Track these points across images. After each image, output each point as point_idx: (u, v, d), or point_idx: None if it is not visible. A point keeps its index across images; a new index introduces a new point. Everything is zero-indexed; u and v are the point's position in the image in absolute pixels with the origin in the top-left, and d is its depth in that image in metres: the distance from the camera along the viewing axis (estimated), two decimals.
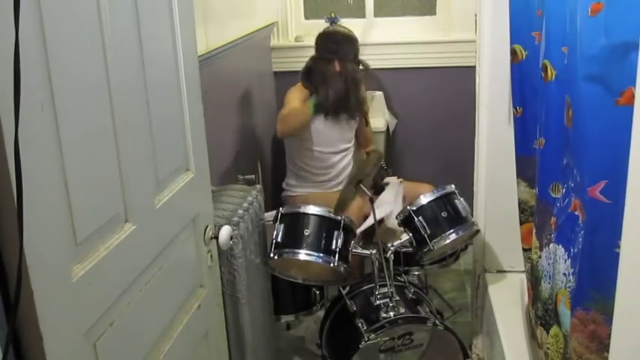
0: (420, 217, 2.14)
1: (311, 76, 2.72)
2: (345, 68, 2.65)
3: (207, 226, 1.48)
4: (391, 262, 2.11)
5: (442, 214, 2.17)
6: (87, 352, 0.99)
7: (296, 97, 2.74)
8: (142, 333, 1.19)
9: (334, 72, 2.65)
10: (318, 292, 2.30)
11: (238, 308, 1.85)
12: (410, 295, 2.17)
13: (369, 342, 1.89)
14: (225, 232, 1.48)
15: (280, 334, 2.64)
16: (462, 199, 2.22)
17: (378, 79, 3.39)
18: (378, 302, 2.02)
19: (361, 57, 2.76)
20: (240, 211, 1.88)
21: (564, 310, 1.50)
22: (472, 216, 2.27)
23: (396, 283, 2.16)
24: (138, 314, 1.15)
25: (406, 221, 2.19)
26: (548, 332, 1.65)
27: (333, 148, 2.82)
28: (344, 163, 2.87)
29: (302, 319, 2.63)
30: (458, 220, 2.17)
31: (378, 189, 2.69)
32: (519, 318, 2.16)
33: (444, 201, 2.19)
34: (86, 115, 0.97)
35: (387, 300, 2.01)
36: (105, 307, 1.03)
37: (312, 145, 2.78)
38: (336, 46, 2.67)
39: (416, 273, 2.51)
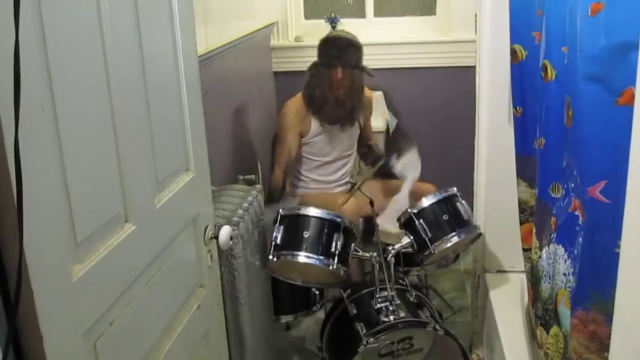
0: (421, 220, 2.12)
1: (311, 89, 2.65)
2: (347, 76, 2.57)
3: (207, 226, 1.48)
4: (392, 265, 2.10)
5: (444, 217, 2.13)
6: (87, 352, 0.99)
7: (291, 117, 2.68)
8: (142, 333, 1.19)
9: (336, 80, 2.57)
10: (317, 293, 2.30)
11: (238, 308, 1.85)
12: (411, 299, 2.15)
13: (367, 346, 1.88)
14: (225, 232, 1.48)
15: (280, 334, 2.64)
16: (464, 202, 2.19)
17: (378, 79, 3.38)
18: (378, 306, 2.01)
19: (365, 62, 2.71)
20: (240, 211, 1.88)
21: (564, 310, 1.49)
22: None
23: (397, 286, 2.13)
24: (138, 314, 1.15)
25: (407, 224, 2.17)
26: (548, 332, 1.64)
27: (332, 157, 2.79)
28: (345, 170, 2.85)
29: (301, 319, 2.64)
30: (460, 223, 2.14)
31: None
32: (519, 318, 2.15)
33: (446, 204, 2.16)
34: (86, 115, 0.97)
35: (388, 304, 2.00)
36: (105, 307, 1.03)
37: (310, 155, 2.77)
38: (338, 52, 2.57)
39: (415, 273, 2.50)
